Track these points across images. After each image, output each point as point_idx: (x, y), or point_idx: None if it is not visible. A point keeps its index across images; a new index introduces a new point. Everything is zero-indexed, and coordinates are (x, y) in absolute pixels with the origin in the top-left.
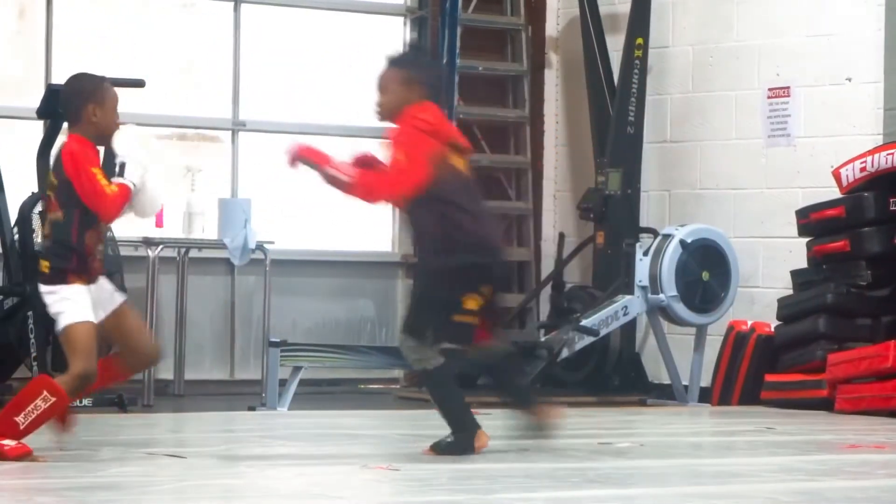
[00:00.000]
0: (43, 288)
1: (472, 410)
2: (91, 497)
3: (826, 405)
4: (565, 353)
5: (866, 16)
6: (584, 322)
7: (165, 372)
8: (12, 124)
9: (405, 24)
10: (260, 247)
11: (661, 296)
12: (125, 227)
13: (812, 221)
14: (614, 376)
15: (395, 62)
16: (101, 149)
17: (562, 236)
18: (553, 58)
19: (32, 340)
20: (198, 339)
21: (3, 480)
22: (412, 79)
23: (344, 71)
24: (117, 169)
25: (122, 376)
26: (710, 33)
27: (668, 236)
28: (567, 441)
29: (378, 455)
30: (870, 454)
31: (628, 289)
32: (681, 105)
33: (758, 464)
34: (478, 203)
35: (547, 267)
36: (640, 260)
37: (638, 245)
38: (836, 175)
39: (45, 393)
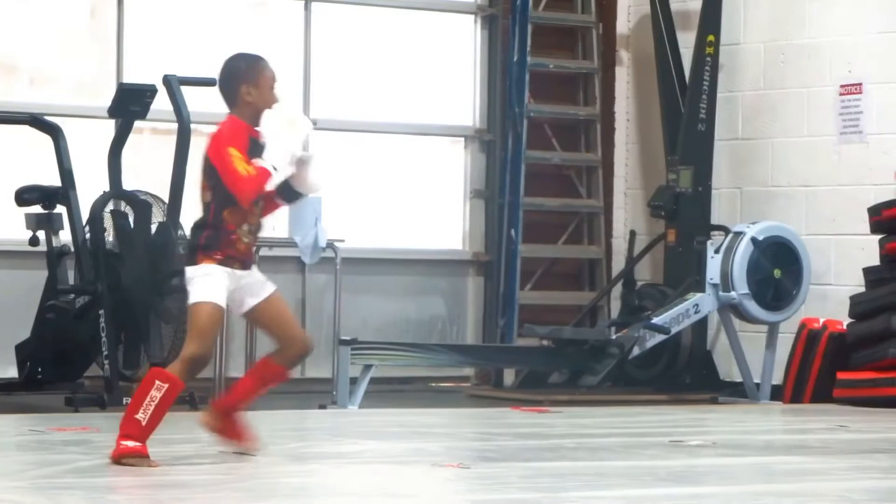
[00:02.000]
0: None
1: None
2: (162, 494)
3: None
4: (636, 351)
5: None
6: (655, 320)
7: (236, 370)
8: (84, 123)
9: (476, 21)
10: (330, 245)
11: (733, 293)
12: None
13: (884, 219)
14: (686, 374)
15: None
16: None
17: (633, 234)
18: (624, 55)
19: (104, 339)
20: (267, 337)
21: (75, 479)
22: None
23: (415, 69)
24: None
25: (283, 375)
26: (781, 30)
27: (739, 234)
28: (639, 439)
29: (449, 453)
30: None
31: (699, 286)
32: (752, 102)
33: (830, 462)
34: None
35: (618, 265)
36: (712, 257)
37: (709, 242)
38: None
39: (156, 382)
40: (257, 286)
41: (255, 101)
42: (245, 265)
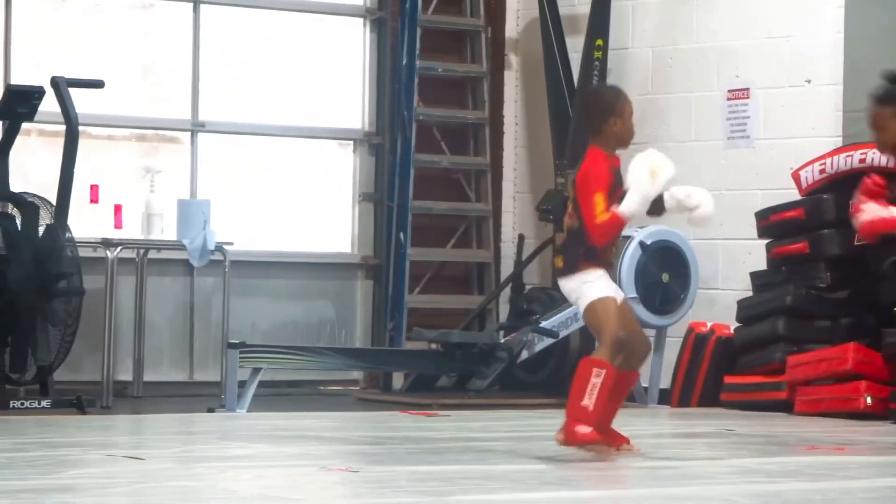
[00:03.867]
0: (561, 281)
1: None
2: (48, 499)
3: (785, 407)
4: (525, 354)
5: (826, 18)
6: (543, 324)
7: (124, 373)
8: None
9: (365, 25)
10: (219, 248)
11: None
12: (83, 229)
13: (771, 223)
14: (574, 378)
15: (887, 98)
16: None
17: (521, 238)
18: (513, 59)
19: None
20: (156, 340)
21: None
22: None
23: (304, 72)
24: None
25: (633, 380)
26: (669, 35)
27: (627, 238)
28: (526, 443)
29: (338, 457)
30: (829, 456)
31: None
32: (640, 107)
33: (717, 465)
34: None
35: (507, 268)
36: None
37: None
38: (796, 177)
39: (594, 370)
40: (616, 288)
41: (620, 133)
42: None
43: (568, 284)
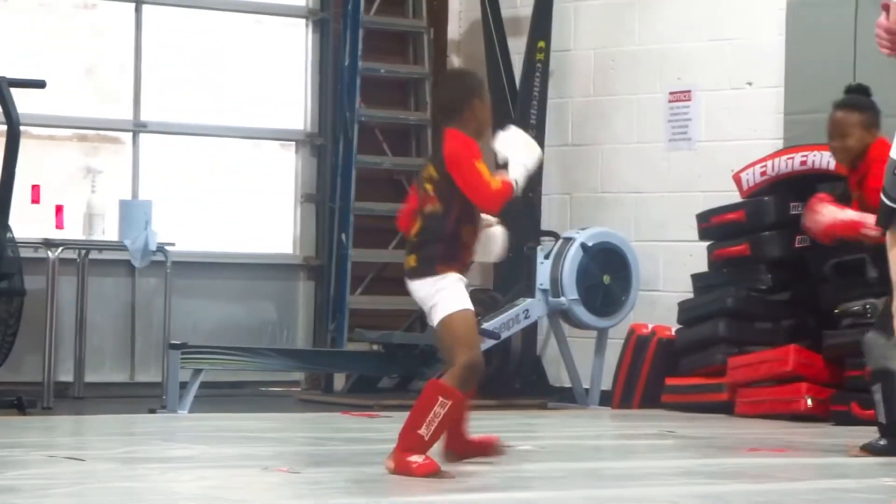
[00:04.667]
0: (413, 284)
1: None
2: None
3: (726, 409)
4: None
5: (767, 20)
6: (485, 325)
7: (65, 374)
8: None
9: (307, 26)
10: (161, 249)
11: (563, 299)
12: (24, 229)
13: (712, 225)
14: (515, 379)
15: (853, 105)
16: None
17: None
18: (455, 60)
19: None
20: (98, 341)
21: None
22: (872, 122)
23: (246, 73)
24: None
25: (471, 396)
26: (611, 37)
27: (569, 240)
28: None
29: (279, 458)
30: (770, 458)
31: (529, 292)
32: (582, 109)
33: (658, 467)
34: None
35: None
36: (542, 263)
37: (539, 248)
38: (737, 179)
39: (440, 398)
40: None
41: (482, 117)
42: (464, 273)
43: (422, 289)
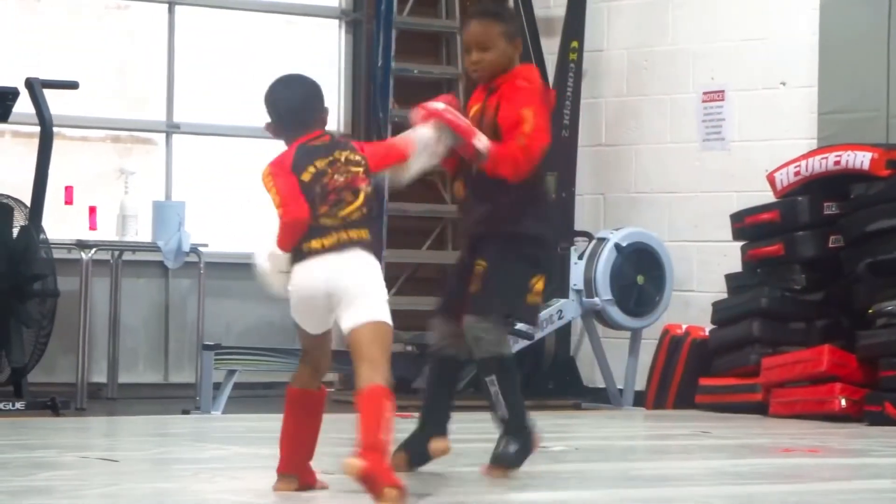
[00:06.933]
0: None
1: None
2: (22, 501)
3: (760, 409)
4: None
5: (801, 20)
6: (519, 325)
7: (98, 375)
8: None
9: (340, 26)
10: (194, 249)
11: (596, 299)
12: (58, 230)
13: (746, 225)
14: (549, 380)
15: (495, 15)
16: None
17: None
18: None
19: None
20: (131, 342)
21: None
22: (515, 35)
23: (278, 73)
24: None
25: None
26: (644, 37)
27: (602, 240)
28: None
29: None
30: (803, 458)
31: (563, 292)
32: (615, 109)
33: (692, 467)
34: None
35: None
36: (575, 263)
37: (573, 249)
38: (771, 179)
39: (387, 404)
40: None
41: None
42: None
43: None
